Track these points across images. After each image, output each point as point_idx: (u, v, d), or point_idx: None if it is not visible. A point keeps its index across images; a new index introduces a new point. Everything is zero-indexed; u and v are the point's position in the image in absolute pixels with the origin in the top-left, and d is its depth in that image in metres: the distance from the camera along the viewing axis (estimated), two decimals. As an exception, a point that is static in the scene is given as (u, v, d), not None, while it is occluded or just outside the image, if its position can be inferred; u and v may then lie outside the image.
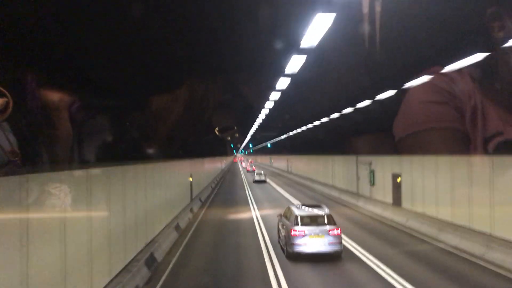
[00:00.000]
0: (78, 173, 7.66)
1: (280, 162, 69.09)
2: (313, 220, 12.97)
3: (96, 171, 8.25)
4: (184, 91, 13.44)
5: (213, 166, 46.00)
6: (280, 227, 14.71)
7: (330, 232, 12.59)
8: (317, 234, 12.53)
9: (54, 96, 6.91)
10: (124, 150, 10.60)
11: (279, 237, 14.88)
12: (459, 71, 11.74)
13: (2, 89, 5.84)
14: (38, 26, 6.00)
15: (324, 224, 12.82)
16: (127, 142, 11.00)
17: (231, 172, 70.68)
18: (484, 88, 11.81)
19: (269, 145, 62.88)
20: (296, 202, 25.91)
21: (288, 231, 12.91)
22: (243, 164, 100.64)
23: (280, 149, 60.54)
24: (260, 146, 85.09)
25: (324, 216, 13.12)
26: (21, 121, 6.16)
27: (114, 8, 6.23)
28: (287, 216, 14.01)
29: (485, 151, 12.82)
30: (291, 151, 51.73)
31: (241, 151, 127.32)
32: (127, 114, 10.73)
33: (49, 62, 6.62)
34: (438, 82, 13.20)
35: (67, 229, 6.99)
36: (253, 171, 54.25)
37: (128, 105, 10.08)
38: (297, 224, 12.73)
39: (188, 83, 13.36)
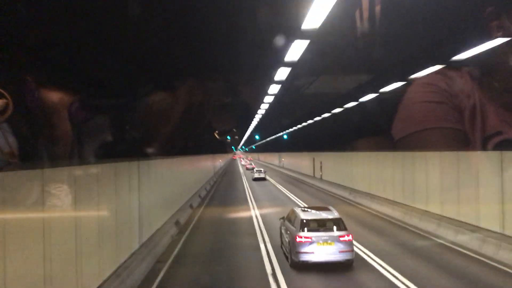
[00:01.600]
0: None
1: (296, 162, 51.38)
2: (321, 225, 12.02)
3: None
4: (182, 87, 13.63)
5: (199, 168, 32.82)
6: (283, 231, 13.61)
7: (341, 238, 11.54)
8: (326, 241, 11.49)
9: (54, 96, 7.16)
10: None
11: (281, 242, 13.84)
12: (458, 70, 12.05)
13: (1, 90, 6.10)
14: (37, 26, 6.23)
15: (333, 229, 11.84)
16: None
17: (229, 175, 57.13)
18: (483, 87, 12.13)
19: (285, 136, 48.39)
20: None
21: (293, 238, 11.84)
22: (243, 162, 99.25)
23: (296, 144, 45.20)
24: (264, 141, 70.07)
25: (333, 220, 12.12)
26: (21, 122, 6.43)
27: (113, 7, 6.45)
28: (291, 219, 12.91)
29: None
30: (321, 146, 35.15)
31: (241, 147, 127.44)
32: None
33: (48, 63, 6.85)
34: (436, 82, 13.58)
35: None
36: (253, 168, 55.55)
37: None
38: (303, 230, 11.73)
39: (187, 81, 13.56)
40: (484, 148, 13.38)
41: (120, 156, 10.85)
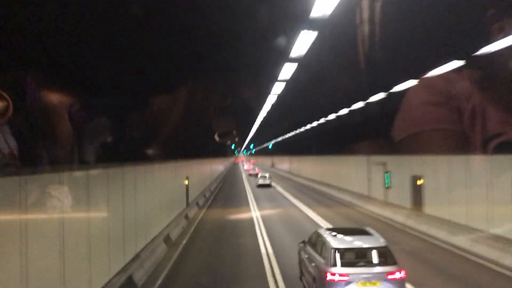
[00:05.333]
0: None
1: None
2: (360, 256, 9.32)
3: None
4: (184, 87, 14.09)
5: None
6: (304, 258, 11.11)
7: (389, 276, 8.91)
8: (369, 280, 8.90)
9: (54, 98, 7.69)
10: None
11: (301, 272, 11.51)
12: (458, 72, 12.60)
13: (2, 92, 6.62)
14: (38, 28, 6.75)
15: (378, 262, 9.18)
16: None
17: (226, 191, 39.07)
18: (483, 89, 12.68)
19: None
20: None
21: (321, 274, 9.26)
22: (245, 166, 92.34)
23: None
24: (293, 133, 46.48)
25: (377, 249, 9.35)
26: (21, 124, 6.95)
27: (114, 9, 6.97)
28: (316, 245, 10.38)
29: (484, 152, 13.59)
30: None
31: (244, 151, 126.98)
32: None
33: (49, 64, 7.37)
34: (437, 84, 14.18)
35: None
36: (256, 174, 54.72)
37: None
38: (335, 264, 9.08)
39: (187, 82, 14.00)
40: (484, 149, 13.93)
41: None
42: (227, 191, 39.37)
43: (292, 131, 44.80)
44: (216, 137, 36.89)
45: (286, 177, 56.89)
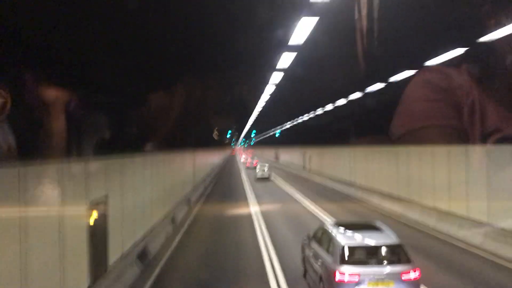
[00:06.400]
0: None
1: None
2: (371, 254, 8.71)
3: None
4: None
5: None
6: (308, 254, 10.53)
7: (404, 275, 8.36)
8: (381, 280, 8.35)
9: (52, 94, 7.86)
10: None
11: (305, 269, 10.93)
12: (457, 67, 12.75)
13: (0, 87, 6.78)
14: (36, 25, 6.90)
15: (391, 261, 8.61)
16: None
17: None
18: (482, 85, 12.87)
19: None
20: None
21: (329, 273, 8.69)
22: (242, 159, 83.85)
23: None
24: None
25: (390, 247, 8.78)
26: (19, 119, 7.11)
27: (112, 5, 7.14)
28: (322, 241, 9.83)
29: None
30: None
31: (242, 142, 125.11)
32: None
33: (47, 60, 7.54)
34: (435, 79, 14.34)
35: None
36: (254, 167, 53.94)
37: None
38: (343, 262, 8.51)
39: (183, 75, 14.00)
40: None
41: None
42: (215, 215, 21.47)
43: (307, 112, 32.64)
44: (215, 135, 35.58)
45: (303, 178, 43.31)
